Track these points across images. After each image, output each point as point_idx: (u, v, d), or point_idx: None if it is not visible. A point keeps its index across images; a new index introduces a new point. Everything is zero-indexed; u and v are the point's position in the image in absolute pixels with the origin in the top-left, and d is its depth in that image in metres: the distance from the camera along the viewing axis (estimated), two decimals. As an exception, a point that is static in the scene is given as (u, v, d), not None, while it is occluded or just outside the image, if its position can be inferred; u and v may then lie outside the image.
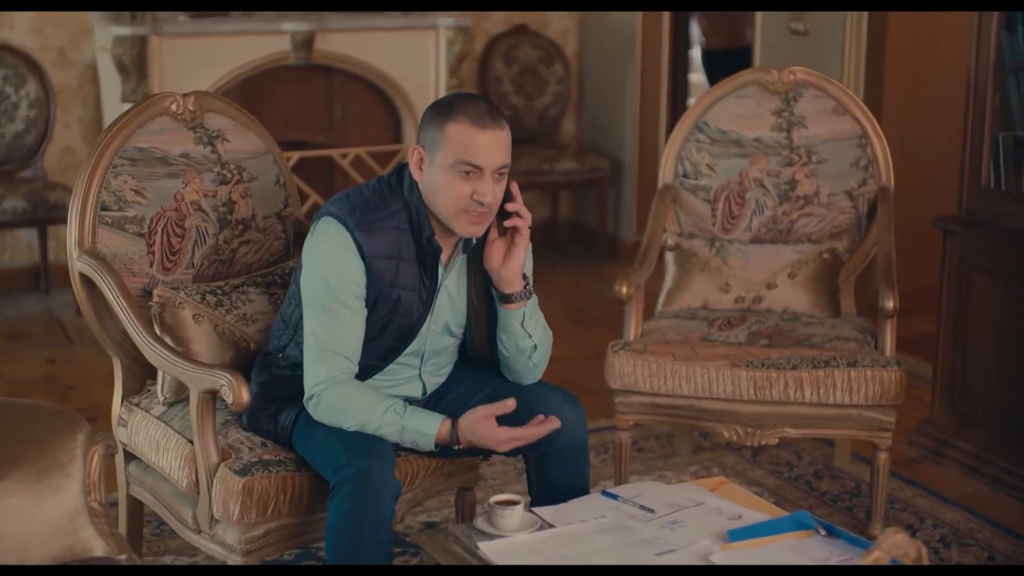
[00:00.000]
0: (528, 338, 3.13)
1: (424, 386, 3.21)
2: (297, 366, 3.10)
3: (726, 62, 6.77)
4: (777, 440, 3.84)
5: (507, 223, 3.05)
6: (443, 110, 2.96)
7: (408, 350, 3.12)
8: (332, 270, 2.98)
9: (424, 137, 2.99)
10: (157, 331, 3.24)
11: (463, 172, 2.92)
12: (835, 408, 3.77)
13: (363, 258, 2.98)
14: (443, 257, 3.07)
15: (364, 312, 3.01)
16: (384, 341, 3.07)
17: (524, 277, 3.11)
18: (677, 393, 3.82)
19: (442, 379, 3.26)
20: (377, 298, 3.02)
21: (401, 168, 3.09)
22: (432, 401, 3.22)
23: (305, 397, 3.02)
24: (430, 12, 6.75)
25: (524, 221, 3.05)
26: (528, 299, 3.11)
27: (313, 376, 3.00)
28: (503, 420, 2.97)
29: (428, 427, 2.97)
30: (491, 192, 2.94)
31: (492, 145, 2.92)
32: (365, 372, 3.08)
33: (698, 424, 3.90)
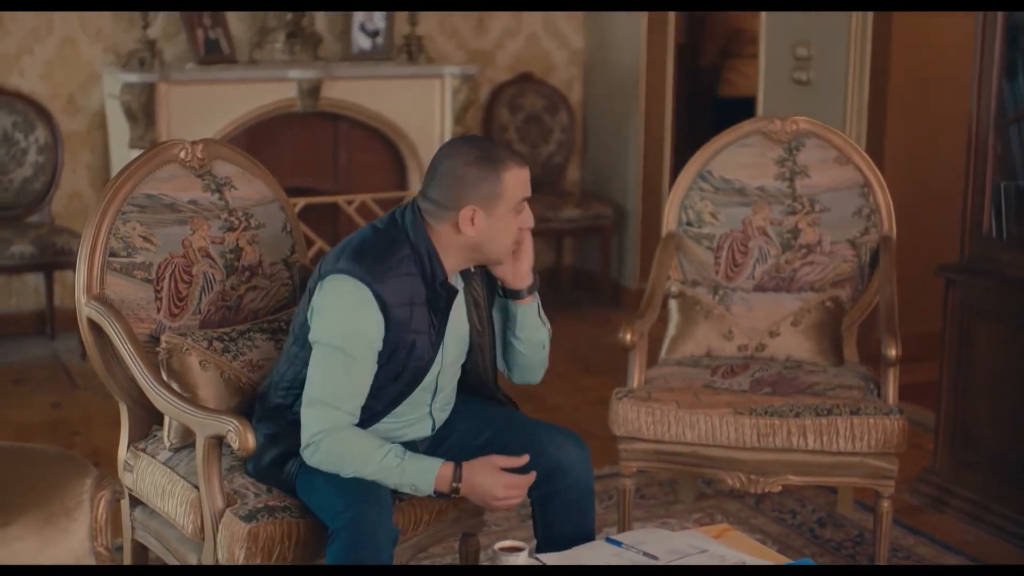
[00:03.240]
0: (543, 326, 3.26)
1: (434, 422, 3.23)
2: None
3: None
4: (780, 487, 3.84)
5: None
6: (489, 164, 3.00)
7: (420, 387, 3.14)
8: (349, 327, 2.98)
9: (476, 196, 3.00)
10: (164, 377, 3.26)
11: (519, 210, 3.06)
12: (838, 456, 3.78)
13: (384, 309, 2.98)
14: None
15: (374, 369, 3.03)
16: (397, 387, 3.09)
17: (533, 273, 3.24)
18: (680, 440, 3.83)
19: (447, 414, 3.28)
20: (396, 345, 3.03)
21: (393, 213, 3.12)
22: (436, 442, 3.23)
23: (302, 446, 3.02)
24: (436, 61, 6.81)
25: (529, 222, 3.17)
26: (536, 292, 3.24)
27: (312, 425, 3.00)
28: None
29: (429, 468, 2.99)
30: (530, 215, 3.11)
31: (528, 176, 3.07)
32: (374, 417, 3.09)
33: (701, 471, 3.91)
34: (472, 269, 3.15)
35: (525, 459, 3.03)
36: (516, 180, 3.01)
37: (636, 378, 3.95)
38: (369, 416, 3.08)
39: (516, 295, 3.20)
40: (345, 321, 2.99)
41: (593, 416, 4.87)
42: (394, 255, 3.02)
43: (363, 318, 2.98)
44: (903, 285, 4.37)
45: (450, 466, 2.99)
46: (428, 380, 3.14)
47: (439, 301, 3.06)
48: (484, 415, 3.25)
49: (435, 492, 3.01)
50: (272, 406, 3.19)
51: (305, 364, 3.07)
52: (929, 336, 4.96)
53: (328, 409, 2.99)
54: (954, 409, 4.52)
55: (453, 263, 3.07)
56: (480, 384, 3.30)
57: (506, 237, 3.05)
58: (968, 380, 4.46)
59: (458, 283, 3.15)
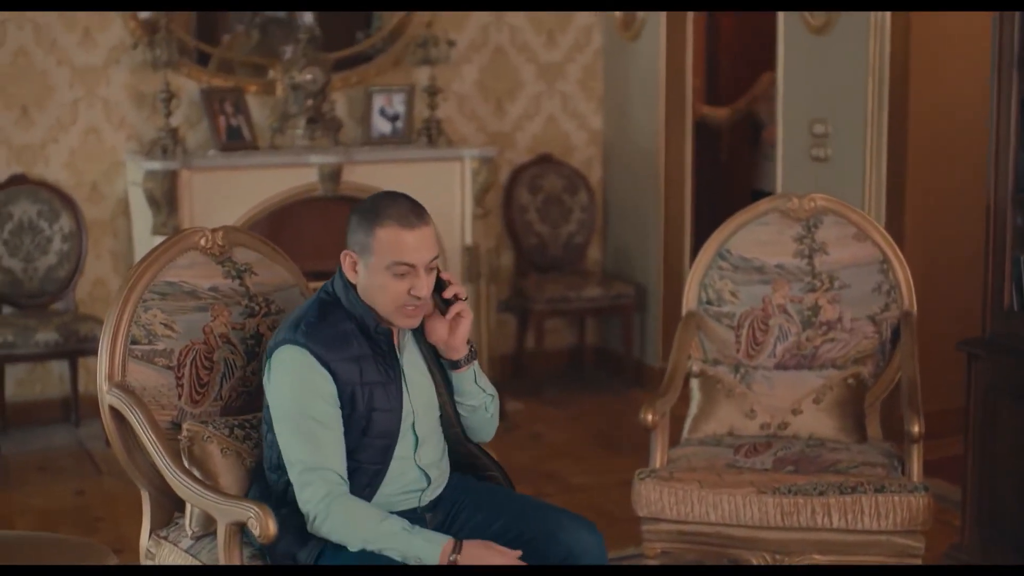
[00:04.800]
0: (482, 392, 3.27)
1: (427, 476, 3.22)
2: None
3: None
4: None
5: (452, 309, 3.17)
6: (370, 215, 3.07)
7: (400, 440, 3.14)
8: (301, 392, 3.04)
9: (353, 242, 3.09)
10: (185, 464, 3.27)
11: (398, 273, 3.04)
12: (863, 534, 3.76)
13: (326, 366, 3.04)
14: (394, 340, 3.16)
15: (341, 427, 3.06)
16: (372, 441, 3.10)
17: (468, 342, 3.24)
18: (704, 520, 3.81)
19: (442, 471, 3.27)
20: (353, 397, 3.07)
21: (327, 283, 3.17)
22: (447, 526, 3.21)
23: (308, 519, 3.02)
24: (456, 144, 6.86)
25: (464, 302, 3.19)
26: (474, 360, 3.26)
27: (311, 495, 3.01)
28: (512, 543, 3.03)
29: (436, 539, 2.98)
30: (425, 286, 3.07)
31: (421, 243, 3.04)
32: (373, 479, 3.09)
33: (726, 551, 3.89)
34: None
35: (518, 554, 3.02)
36: (391, 238, 3.02)
37: (658, 458, 3.94)
38: (367, 481, 3.08)
39: (452, 364, 3.25)
40: (296, 387, 3.05)
41: (616, 497, 4.84)
42: (329, 316, 3.10)
43: (310, 378, 3.04)
44: (925, 360, 4.35)
45: (451, 544, 2.97)
46: (404, 429, 3.15)
47: (381, 347, 3.11)
48: (495, 502, 3.24)
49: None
50: (264, 487, 3.19)
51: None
52: (953, 411, 4.93)
53: (318, 474, 3.01)
54: (980, 486, 4.47)
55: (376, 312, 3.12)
56: (451, 438, 3.31)
57: (383, 295, 3.06)
58: (993, 455, 4.42)
59: (405, 333, 3.19)
